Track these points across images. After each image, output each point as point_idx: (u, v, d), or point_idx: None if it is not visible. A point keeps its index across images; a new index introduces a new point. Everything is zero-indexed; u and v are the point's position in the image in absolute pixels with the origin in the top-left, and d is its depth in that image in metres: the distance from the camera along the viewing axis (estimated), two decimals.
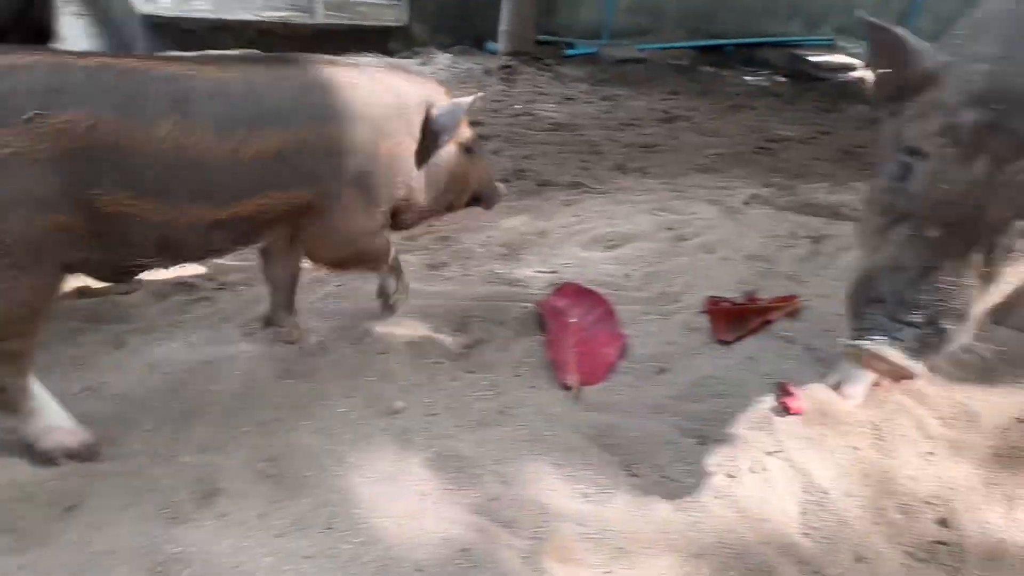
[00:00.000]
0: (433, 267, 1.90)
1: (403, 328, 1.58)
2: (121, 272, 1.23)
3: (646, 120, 3.78)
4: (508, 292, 1.77)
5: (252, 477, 1.14)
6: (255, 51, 3.83)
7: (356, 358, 1.46)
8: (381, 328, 1.56)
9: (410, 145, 1.38)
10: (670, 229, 2.21)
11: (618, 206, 2.44)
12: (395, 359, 1.46)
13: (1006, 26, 1.12)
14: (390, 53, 4.68)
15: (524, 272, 1.88)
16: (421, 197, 1.45)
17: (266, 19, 4.51)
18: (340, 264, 1.47)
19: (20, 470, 1.12)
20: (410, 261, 1.88)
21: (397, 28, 4.88)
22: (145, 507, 1.07)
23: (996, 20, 1.16)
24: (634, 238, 2.14)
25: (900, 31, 1.10)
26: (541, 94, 4.15)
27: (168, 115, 1.07)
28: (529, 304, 1.67)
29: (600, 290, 1.73)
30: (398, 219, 1.47)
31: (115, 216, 1.06)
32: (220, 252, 1.32)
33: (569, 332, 1.57)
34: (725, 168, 3.03)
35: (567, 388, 1.40)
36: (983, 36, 1.12)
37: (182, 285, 1.72)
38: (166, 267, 1.29)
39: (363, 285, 1.69)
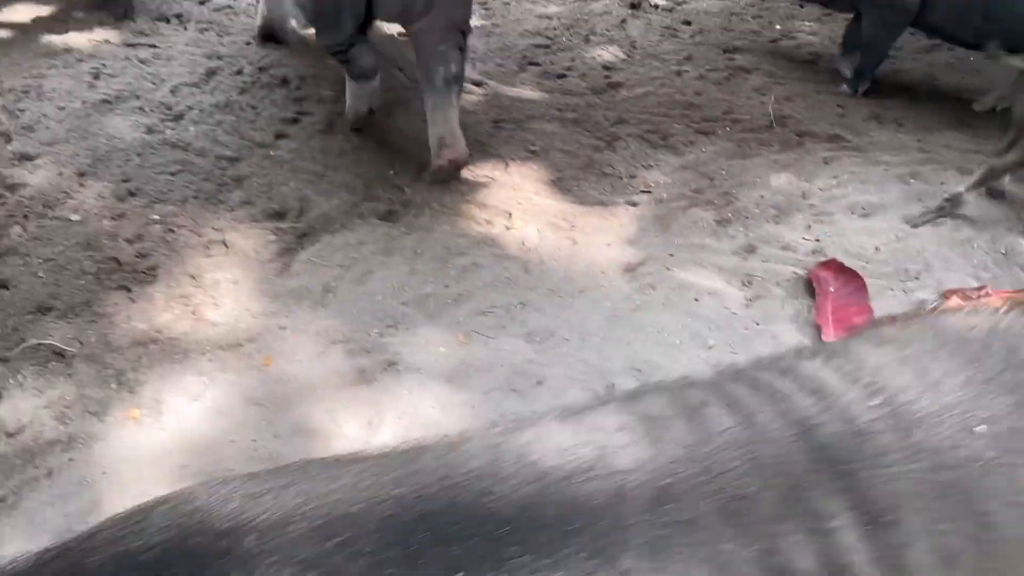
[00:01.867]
0: (720, 223, 2.50)
1: (700, 278, 2.25)
2: None
3: (906, 48, 3.82)
4: (780, 255, 2.35)
5: None
6: None
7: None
8: (682, 273, 2.25)
9: None
10: (919, 200, 2.61)
11: (872, 168, 2.81)
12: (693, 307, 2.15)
13: None
14: None
15: (793, 236, 2.43)
16: None
17: None
18: None
19: None
20: (702, 216, 2.51)
21: None
22: None
23: None
24: (886, 208, 2.57)
25: None
26: (792, 16, 4.20)
27: None
28: (799, 270, 2.26)
29: (852, 261, 2.27)
30: None
31: None
32: None
33: (829, 300, 2.16)
34: (986, 125, 3.16)
35: None
36: None
37: None
38: None
39: None
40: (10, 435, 1.67)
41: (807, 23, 4.04)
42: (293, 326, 2.00)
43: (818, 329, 2.08)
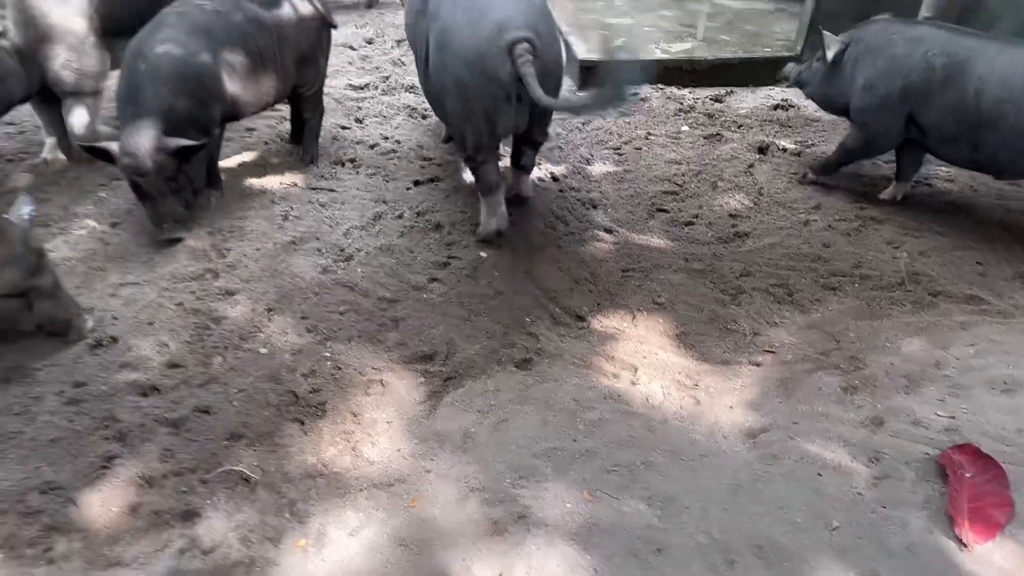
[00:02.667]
0: (846, 391, 2.53)
1: (824, 451, 2.28)
2: None
3: None
4: (910, 431, 2.33)
5: None
6: None
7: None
8: (806, 444, 2.29)
9: None
10: None
11: (1016, 336, 2.73)
12: (816, 482, 2.18)
13: None
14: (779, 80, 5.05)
15: (925, 411, 2.41)
16: None
17: (672, 57, 5.19)
18: None
19: None
20: (828, 382, 2.55)
21: (791, 59, 5.19)
22: None
23: None
24: None
25: None
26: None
27: None
28: (930, 450, 2.24)
29: (991, 444, 2.21)
30: None
31: None
32: None
33: (964, 487, 2.11)
34: None
35: (962, 544, 1.98)
36: None
37: None
38: None
39: None
40: (205, 552, 1.99)
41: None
42: (437, 469, 2.24)
43: (951, 521, 2.04)
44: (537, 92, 2.69)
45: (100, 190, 3.63)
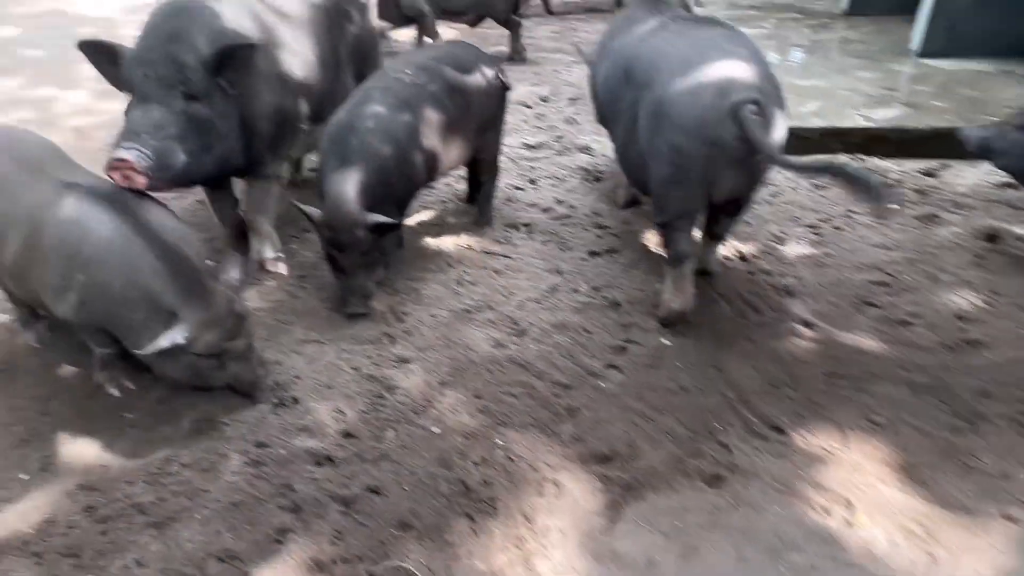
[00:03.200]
0: None
1: None
2: None
3: None
4: None
5: None
6: None
7: None
8: None
9: None
10: None
11: None
12: None
13: None
14: None
15: None
16: None
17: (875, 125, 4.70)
18: None
19: None
20: None
21: None
22: None
23: None
24: None
25: None
26: None
27: None
28: None
29: None
30: None
31: None
32: None
33: None
34: None
35: None
36: None
37: None
38: None
39: None
40: None
41: None
42: None
43: None
44: (770, 148, 2.57)
45: (292, 242, 3.81)
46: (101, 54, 2.86)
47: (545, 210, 4.16)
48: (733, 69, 2.71)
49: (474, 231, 3.92)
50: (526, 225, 3.99)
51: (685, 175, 2.79)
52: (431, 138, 3.28)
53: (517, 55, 7.18)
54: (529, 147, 5.06)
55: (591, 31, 8.31)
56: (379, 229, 3.05)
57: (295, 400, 2.73)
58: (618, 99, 3.20)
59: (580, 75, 6.61)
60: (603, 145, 5.04)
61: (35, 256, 2.46)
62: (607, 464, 2.44)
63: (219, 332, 2.49)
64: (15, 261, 2.53)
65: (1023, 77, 5.38)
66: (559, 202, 4.25)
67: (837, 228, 3.83)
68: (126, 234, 2.40)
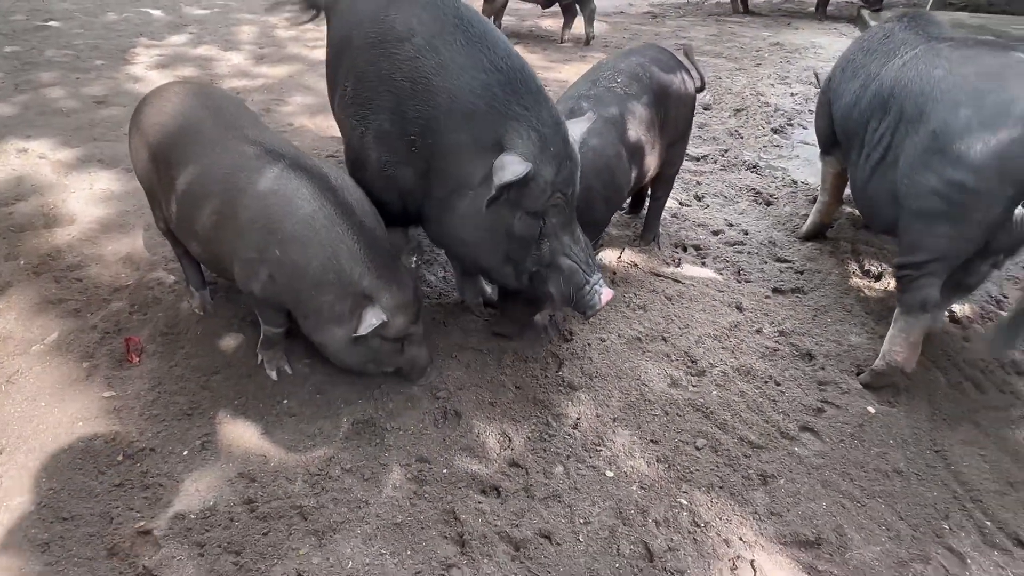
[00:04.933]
0: None
1: None
2: None
3: None
4: None
5: None
6: None
7: None
8: None
9: None
10: None
11: None
12: None
13: None
14: None
15: None
16: None
17: None
18: None
19: None
20: None
21: None
22: None
23: None
24: None
25: None
26: None
27: None
28: None
29: None
30: None
31: None
32: None
33: None
34: None
35: None
36: None
37: None
38: None
39: None
40: None
41: None
42: None
43: None
44: None
45: None
46: None
47: (715, 232, 3.81)
48: None
49: (639, 247, 3.63)
50: (696, 248, 3.66)
51: (964, 215, 2.39)
52: (635, 155, 2.99)
53: (587, 40, 7.22)
54: (693, 159, 4.70)
55: (751, 35, 7.80)
56: None
57: (457, 414, 2.55)
58: (866, 128, 2.84)
59: (744, 84, 6.17)
60: (771, 165, 4.62)
61: (229, 224, 2.37)
62: (812, 551, 2.11)
63: (410, 316, 2.35)
64: (206, 223, 2.45)
65: None
66: (730, 225, 3.89)
67: None
68: (329, 214, 2.27)
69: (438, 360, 2.78)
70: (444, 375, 2.71)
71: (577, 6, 7.17)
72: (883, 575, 2.04)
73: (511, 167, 2.09)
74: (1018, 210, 2.34)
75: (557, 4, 7.24)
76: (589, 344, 2.91)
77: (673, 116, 3.19)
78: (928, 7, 8.53)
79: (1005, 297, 3.28)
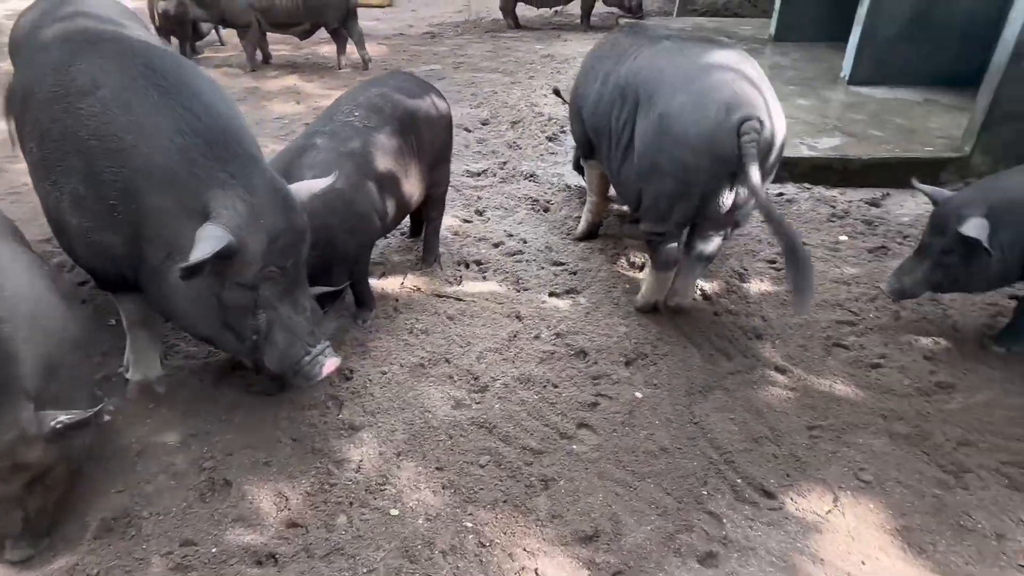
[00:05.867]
0: None
1: None
2: None
3: None
4: None
5: None
6: None
7: None
8: None
9: None
10: None
11: None
12: None
13: None
14: (942, 184, 4.50)
15: None
16: None
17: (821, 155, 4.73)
18: None
19: None
20: None
21: (956, 159, 4.65)
22: None
23: None
24: None
25: None
26: None
27: None
28: None
29: None
30: None
31: None
32: None
33: None
34: None
35: None
36: None
37: None
38: None
39: None
40: None
41: None
42: None
43: None
44: (754, 178, 2.56)
45: None
46: None
47: (496, 245, 3.91)
48: (739, 86, 2.70)
49: (422, 270, 3.63)
50: (477, 263, 3.72)
51: (687, 191, 2.81)
52: (386, 184, 2.96)
53: (363, 64, 7.22)
54: (473, 174, 4.81)
55: (525, 49, 8.18)
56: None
57: (227, 483, 2.36)
58: (611, 118, 3.13)
59: (519, 96, 6.43)
60: (548, 172, 4.85)
61: None
62: (591, 544, 2.19)
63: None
64: None
65: (947, 106, 5.57)
66: (509, 235, 4.01)
67: None
68: None
69: (203, 425, 2.57)
70: (211, 442, 2.50)
71: (344, 30, 7.08)
72: (653, 553, 2.17)
73: (206, 243, 1.96)
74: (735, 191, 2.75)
75: (324, 29, 7.11)
76: (370, 379, 2.84)
77: (427, 139, 3.22)
78: (675, 13, 9.50)
79: (745, 270, 3.68)
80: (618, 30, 3.53)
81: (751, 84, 2.73)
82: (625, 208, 4.09)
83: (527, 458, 2.50)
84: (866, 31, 5.95)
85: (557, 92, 4.39)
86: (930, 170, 4.66)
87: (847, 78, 6.14)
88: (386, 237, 3.92)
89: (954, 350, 3.09)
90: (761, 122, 2.61)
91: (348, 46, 7.33)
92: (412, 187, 3.16)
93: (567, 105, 4.02)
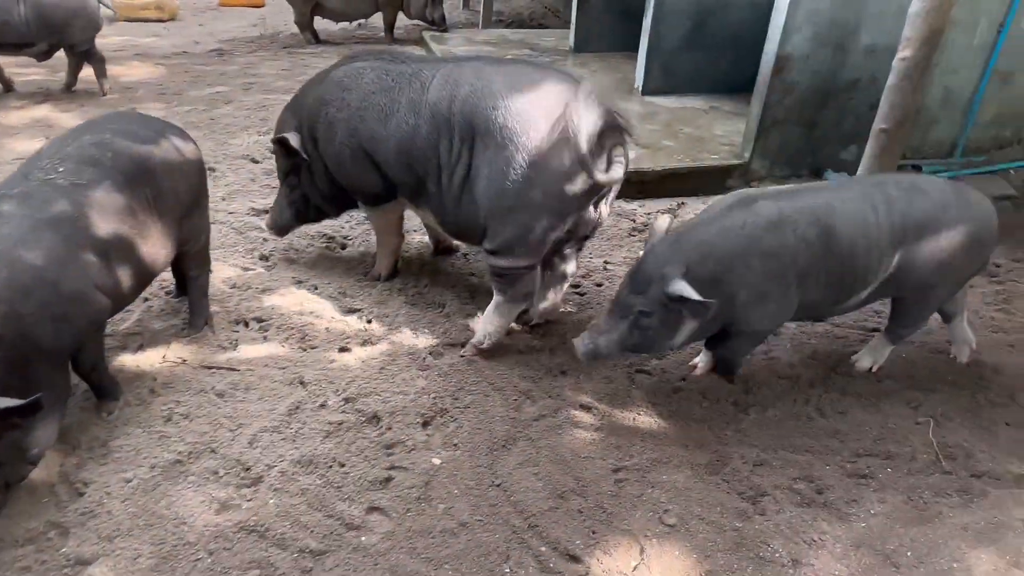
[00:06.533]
0: None
1: None
2: None
3: None
4: None
5: None
6: None
7: None
8: None
9: None
10: None
11: None
12: None
13: None
14: (728, 189, 4.72)
15: None
16: None
17: None
18: None
19: None
20: None
21: (739, 166, 4.90)
22: None
23: None
24: None
25: None
26: None
27: None
28: None
29: None
30: None
31: None
32: None
33: None
34: None
35: None
36: None
37: None
38: None
39: None
40: None
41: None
42: None
43: None
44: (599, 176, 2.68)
45: None
46: None
47: (283, 296, 3.48)
48: (558, 96, 2.74)
49: (189, 337, 3.11)
50: (258, 320, 3.27)
51: (563, 218, 2.83)
52: (115, 250, 2.45)
53: (101, 92, 6.26)
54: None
55: (325, 65, 7.68)
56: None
57: None
58: (438, 150, 2.92)
59: None
60: None
61: None
62: None
63: None
64: None
65: (729, 113, 5.92)
66: (299, 282, 3.59)
67: (597, 284, 3.71)
68: None
69: None
70: None
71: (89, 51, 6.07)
72: None
73: None
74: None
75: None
76: (108, 492, 2.32)
77: (169, 189, 2.72)
78: (480, 24, 9.45)
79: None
80: (366, 61, 3.21)
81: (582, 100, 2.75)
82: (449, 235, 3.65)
83: (306, 563, 2.14)
84: (652, 42, 6.18)
85: (284, 142, 3.34)
86: (719, 177, 4.88)
87: (640, 88, 6.35)
88: (145, 299, 3.35)
89: (750, 366, 3.14)
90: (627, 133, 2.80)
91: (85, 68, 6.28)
92: (153, 249, 2.66)
93: (296, 159, 3.37)
